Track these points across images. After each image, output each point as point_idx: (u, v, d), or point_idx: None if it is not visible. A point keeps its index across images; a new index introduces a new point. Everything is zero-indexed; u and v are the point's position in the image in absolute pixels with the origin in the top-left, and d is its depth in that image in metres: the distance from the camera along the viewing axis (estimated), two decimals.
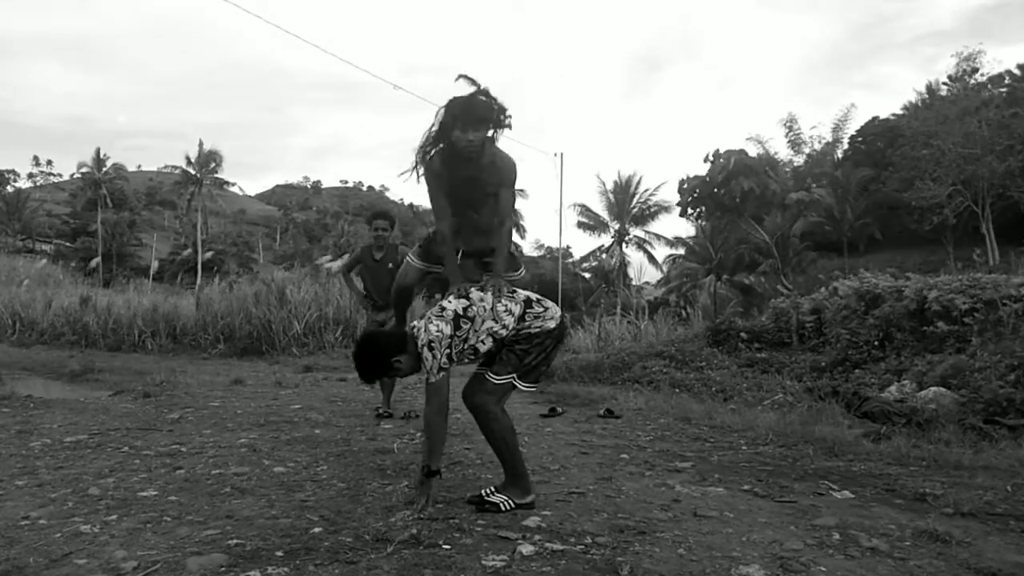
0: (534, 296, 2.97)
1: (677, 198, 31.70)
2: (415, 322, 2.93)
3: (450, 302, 2.87)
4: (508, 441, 2.89)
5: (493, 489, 2.93)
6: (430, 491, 2.82)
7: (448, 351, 2.77)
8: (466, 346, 2.84)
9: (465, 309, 2.83)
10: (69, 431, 4.52)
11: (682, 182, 31.37)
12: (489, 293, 2.89)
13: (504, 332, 2.85)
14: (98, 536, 2.46)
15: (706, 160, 29.87)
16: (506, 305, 2.86)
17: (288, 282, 12.96)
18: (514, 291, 2.96)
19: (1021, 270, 9.85)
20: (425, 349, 2.75)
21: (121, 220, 57.48)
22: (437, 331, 2.75)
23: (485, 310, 2.83)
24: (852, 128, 36.86)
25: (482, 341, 2.84)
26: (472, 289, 2.92)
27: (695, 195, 29.68)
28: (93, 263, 49.60)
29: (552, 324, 2.90)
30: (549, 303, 2.97)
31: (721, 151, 29.62)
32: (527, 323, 2.87)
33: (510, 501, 2.85)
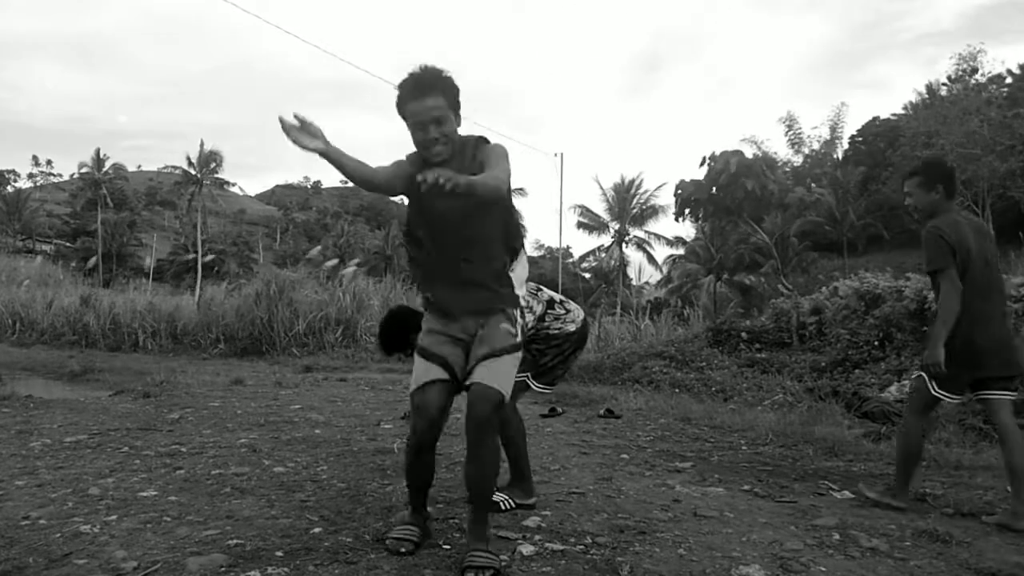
0: (558, 297, 2.97)
1: (674, 202, 31.57)
2: None
3: None
4: (516, 442, 2.90)
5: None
6: None
7: None
8: None
9: None
10: (69, 431, 4.52)
11: (677, 187, 31.19)
12: None
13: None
14: (98, 536, 2.45)
15: (702, 164, 29.69)
16: (527, 302, 2.86)
17: (289, 282, 12.94)
18: (539, 289, 2.95)
19: (1021, 270, 9.83)
20: None
21: (121, 220, 57.56)
22: None
23: None
24: (847, 127, 36.74)
25: None
26: None
27: (694, 199, 29.44)
28: (91, 262, 49.70)
29: (572, 328, 2.89)
30: (573, 306, 2.96)
31: (716, 153, 29.45)
32: (546, 323, 2.86)
33: (510, 501, 2.86)
